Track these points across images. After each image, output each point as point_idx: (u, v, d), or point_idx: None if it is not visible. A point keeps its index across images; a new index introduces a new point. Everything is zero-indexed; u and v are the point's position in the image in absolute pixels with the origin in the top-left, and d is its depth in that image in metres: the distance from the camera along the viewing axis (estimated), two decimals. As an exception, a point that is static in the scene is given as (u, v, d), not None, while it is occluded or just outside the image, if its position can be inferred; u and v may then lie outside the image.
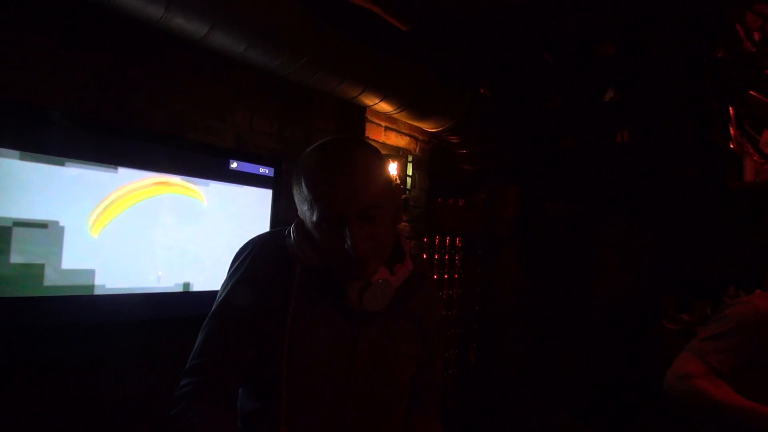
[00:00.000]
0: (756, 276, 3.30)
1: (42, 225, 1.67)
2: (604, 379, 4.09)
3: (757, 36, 2.72)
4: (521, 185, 4.38)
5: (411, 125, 3.25)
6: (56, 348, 1.79)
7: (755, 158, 3.09)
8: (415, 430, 1.22)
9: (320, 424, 1.08)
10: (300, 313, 1.07)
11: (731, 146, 3.11)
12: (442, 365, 1.38)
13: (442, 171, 3.69)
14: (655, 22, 3.23)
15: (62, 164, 1.72)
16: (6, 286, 1.60)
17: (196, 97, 2.23)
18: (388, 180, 1.09)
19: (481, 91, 3.82)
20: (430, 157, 3.52)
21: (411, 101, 2.83)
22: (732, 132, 2.98)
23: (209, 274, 2.17)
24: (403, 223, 3.15)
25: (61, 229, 1.72)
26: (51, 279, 1.70)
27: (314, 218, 1.02)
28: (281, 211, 2.44)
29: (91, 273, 1.81)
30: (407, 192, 3.23)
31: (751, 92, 2.85)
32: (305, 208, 1.04)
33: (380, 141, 3.06)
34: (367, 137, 2.95)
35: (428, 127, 3.26)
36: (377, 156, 1.08)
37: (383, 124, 3.08)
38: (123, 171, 1.89)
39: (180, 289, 2.08)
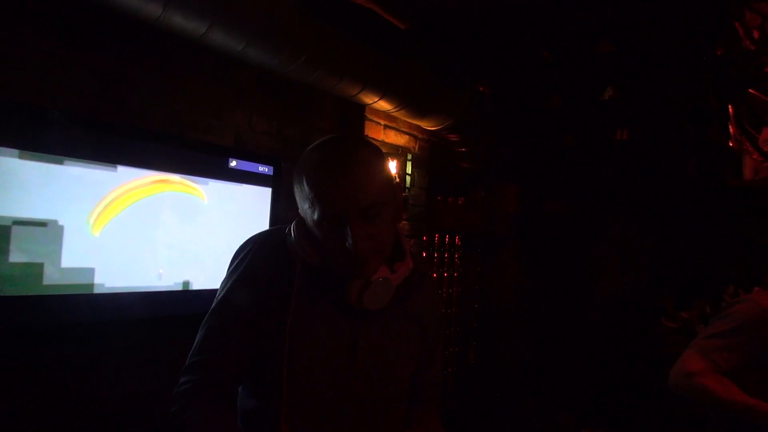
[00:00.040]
0: (755, 274, 3.30)
1: (41, 224, 1.67)
2: (604, 377, 4.09)
3: (756, 34, 2.72)
4: (521, 184, 4.39)
5: (410, 123, 3.25)
6: (56, 347, 1.79)
7: (754, 156, 3.10)
8: (415, 429, 1.22)
9: (320, 422, 1.08)
10: (300, 311, 1.07)
11: (730, 144, 3.12)
12: (442, 363, 1.38)
13: (442, 169, 3.69)
14: (655, 21, 3.23)
15: (61, 163, 1.72)
16: (5, 285, 1.60)
17: (195, 96, 2.23)
18: (390, 178, 1.09)
19: (481, 89, 3.82)
20: (429, 156, 3.52)
21: (410, 99, 2.83)
22: (731, 130, 2.98)
23: (209, 273, 2.17)
24: (402, 222, 3.15)
25: (61, 228, 1.72)
26: (50, 278, 1.70)
27: (315, 216, 1.02)
28: (281, 210, 2.44)
29: (90, 271, 1.81)
30: (407, 190, 3.23)
31: (750, 90, 2.85)
32: (306, 206, 1.04)
33: (379, 139, 3.06)
34: (367, 135, 2.95)
35: (427, 125, 3.26)
36: (378, 154, 1.08)
37: (382, 122, 3.08)
38: (122, 170, 1.89)
39: (179, 288, 2.08)
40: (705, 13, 3.04)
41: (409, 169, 3.24)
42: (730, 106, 2.95)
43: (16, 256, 1.62)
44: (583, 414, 3.85)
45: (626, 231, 4.40)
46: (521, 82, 4.01)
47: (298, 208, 1.09)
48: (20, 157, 1.63)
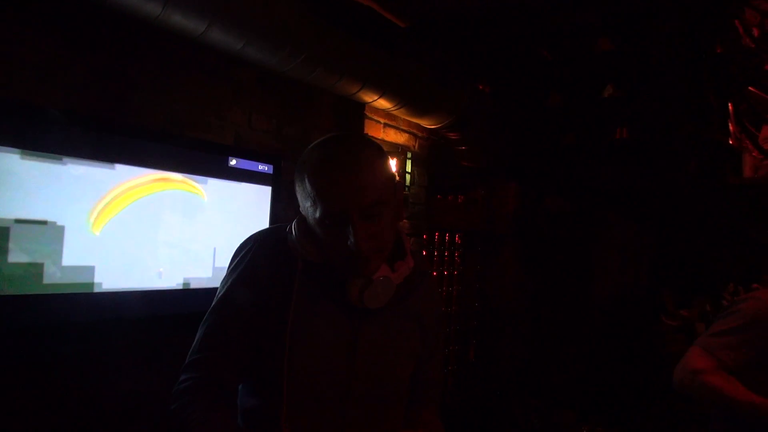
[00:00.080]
0: (755, 272, 3.30)
1: (41, 223, 1.67)
2: (604, 376, 4.10)
3: (755, 32, 2.71)
4: (521, 182, 4.39)
5: (410, 122, 3.25)
6: (56, 346, 1.79)
7: (754, 154, 3.10)
8: (415, 427, 1.22)
9: (321, 421, 1.08)
10: (301, 309, 1.07)
11: (730, 142, 3.11)
12: (441, 362, 1.38)
13: (442, 168, 3.69)
14: (654, 19, 3.23)
15: (62, 163, 1.72)
16: (5, 284, 1.60)
17: (195, 95, 2.23)
18: (391, 177, 1.09)
19: (480, 87, 3.82)
20: (429, 154, 3.51)
21: (410, 98, 2.83)
22: (731, 128, 2.98)
23: (209, 271, 2.17)
24: (403, 220, 3.15)
25: (61, 227, 1.72)
26: (51, 277, 1.70)
27: (317, 215, 1.02)
28: (280, 208, 2.44)
29: (90, 270, 1.81)
30: (406, 189, 3.23)
31: (750, 88, 2.85)
32: (308, 204, 1.04)
33: (379, 138, 3.06)
34: (366, 134, 2.95)
35: (427, 123, 3.26)
36: (380, 153, 1.08)
37: (382, 120, 3.08)
38: (122, 169, 1.89)
39: (180, 286, 2.08)
40: (705, 11, 3.04)
41: (408, 168, 3.24)
42: (729, 104, 2.95)
43: (15, 256, 1.62)
44: (583, 412, 3.85)
45: (626, 229, 4.40)
46: (521, 81, 4.00)
47: (298, 207, 1.09)
48: (21, 156, 1.63)
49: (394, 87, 2.69)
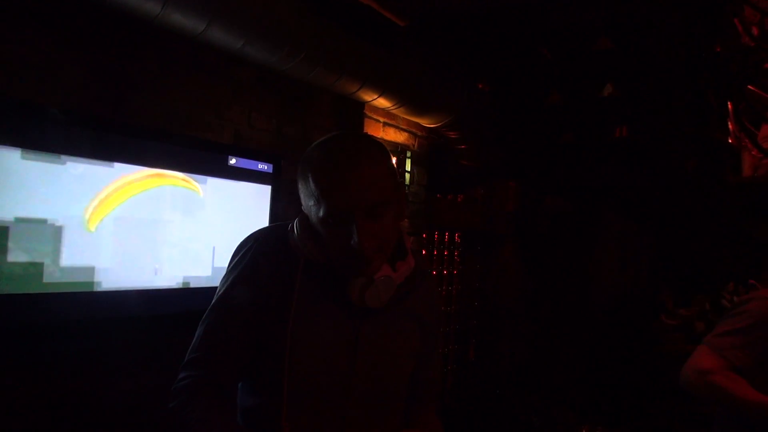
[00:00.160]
0: (754, 271, 3.31)
1: (41, 222, 1.67)
2: (604, 375, 4.10)
3: (755, 31, 2.71)
4: (520, 181, 4.39)
5: (409, 121, 3.25)
6: (54, 344, 1.79)
7: (753, 153, 3.09)
8: (414, 425, 1.22)
9: (321, 420, 1.08)
10: (302, 308, 1.07)
11: (729, 141, 3.11)
12: (440, 361, 1.38)
13: (441, 167, 3.69)
14: (654, 18, 3.23)
15: (62, 162, 1.72)
16: (5, 284, 1.60)
17: (194, 94, 2.23)
18: (394, 176, 1.09)
19: (480, 86, 3.82)
20: (428, 153, 3.52)
21: (409, 97, 2.83)
22: (730, 127, 2.98)
23: (208, 270, 2.17)
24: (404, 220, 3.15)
25: (59, 226, 1.71)
26: (50, 276, 1.70)
27: (321, 214, 1.02)
28: (280, 207, 2.44)
29: (89, 268, 1.80)
30: (406, 188, 3.23)
31: (749, 87, 2.85)
32: (311, 203, 1.04)
33: (378, 137, 3.06)
34: (369, 133, 2.95)
35: (427, 122, 3.26)
36: (384, 152, 1.08)
37: (382, 119, 3.08)
38: (122, 168, 1.88)
39: (178, 285, 2.08)
40: (704, 10, 3.04)
41: (408, 167, 3.24)
42: (729, 103, 2.94)
43: (15, 255, 1.62)
44: (583, 411, 3.86)
45: (626, 228, 4.41)
46: (520, 80, 4.00)
47: (298, 206, 1.09)
48: (21, 155, 1.63)
49: (393, 86, 2.69)
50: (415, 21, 3.01)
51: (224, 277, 1.14)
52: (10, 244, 1.60)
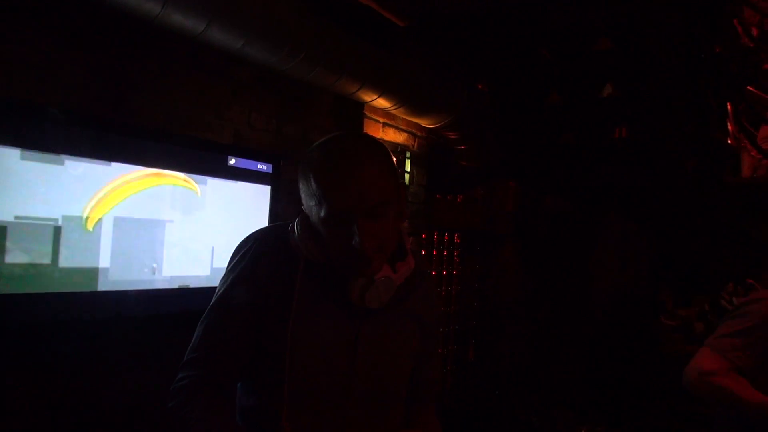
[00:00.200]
0: (754, 271, 3.31)
1: (40, 221, 1.67)
2: (603, 375, 4.10)
3: (755, 32, 2.71)
4: (520, 181, 4.39)
5: (409, 121, 3.25)
6: (54, 344, 1.79)
7: (752, 154, 3.10)
8: (414, 425, 1.22)
9: (321, 420, 1.08)
10: (302, 308, 1.07)
11: (729, 142, 3.12)
12: (439, 361, 1.39)
13: (441, 167, 3.69)
14: (654, 18, 3.23)
15: (61, 161, 1.72)
16: (4, 283, 1.60)
17: (194, 94, 2.23)
18: (396, 177, 1.09)
19: (480, 87, 3.82)
20: (428, 153, 3.52)
21: (409, 97, 2.83)
22: (730, 128, 2.98)
23: (207, 270, 2.17)
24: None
25: (58, 225, 1.72)
26: (50, 275, 1.70)
27: (322, 214, 1.02)
28: (280, 208, 2.44)
29: (88, 269, 1.81)
30: (406, 188, 3.23)
31: (749, 88, 2.85)
32: (312, 203, 1.03)
33: (378, 137, 3.06)
34: (369, 134, 2.96)
35: (426, 123, 3.26)
36: (386, 153, 1.08)
37: (381, 120, 3.08)
38: (120, 168, 1.88)
39: (178, 285, 2.08)
40: (704, 11, 3.04)
41: (408, 167, 3.24)
42: (728, 104, 2.95)
43: (14, 254, 1.62)
44: (583, 411, 3.86)
45: (625, 228, 4.41)
46: (520, 80, 4.01)
47: (297, 206, 1.09)
48: (20, 155, 1.63)
49: (393, 86, 2.69)
50: (414, 21, 3.02)
51: (224, 277, 1.14)
52: (9, 244, 1.60)
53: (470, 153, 3.71)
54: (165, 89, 2.12)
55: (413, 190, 3.33)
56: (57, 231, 1.71)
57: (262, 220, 2.37)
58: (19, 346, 1.73)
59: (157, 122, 2.09)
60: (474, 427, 3.86)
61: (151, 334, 2.01)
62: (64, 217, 1.73)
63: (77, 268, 1.77)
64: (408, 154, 3.24)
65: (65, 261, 1.73)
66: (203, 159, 2.16)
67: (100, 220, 1.82)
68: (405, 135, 3.30)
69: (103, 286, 1.84)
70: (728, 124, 2.93)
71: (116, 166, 1.87)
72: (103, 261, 1.84)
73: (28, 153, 1.65)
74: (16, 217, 1.62)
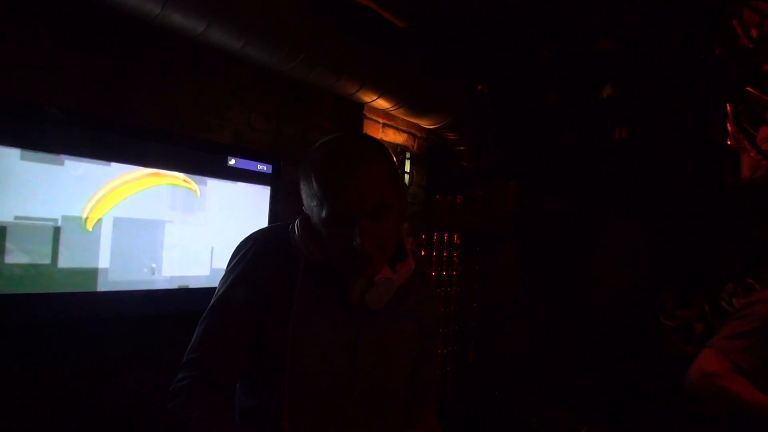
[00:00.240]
0: (754, 272, 3.31)
1: (40, 221, 1.67)
2: (603, 375, 4.10)
3: (754, 33, 2.72)
4: (520, 182, 4.39)
5: (409, 122, 3.25)
6: (54, 344, 1.79)
7: (752, 154, 3.10)
8: (413, 425, 1.22)
9: (321, 420, 1.09)
10: (303, 309, 1.07)
11: (728, 143, 3.12)
12: (439, 361, 1.39)
13: (441, 168, 3.69)
14: (654, 19, 3.23)
15: (60, 163, 1.72)
16: (3, 284, 1.60)
17: (194, 94, 2.23)
18: (397, 178, 1.09)
19: (479, 87, 3.82)
20: (428, 154, 3.52)
21: (408, 98, 2.83)
22: (729, 128, 2.98)
23: (207, 270, 2.17)
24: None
25: (57, 226, 1.72)
26: (49, 275, 1.70)
27: (323, 214, 1.02)
28: (279, 208, 2.44)
29: (88, 269, 1.81)
30: (406, 189, 3.23)
31: (748, 89, 2.85)
32: (314, 204, 1.04)
33: (378, 138, 3.06)
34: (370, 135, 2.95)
35: (426, 123, 3.26)
36: (387, 154, 1.08)
37: (381, 120, 3.08)
38: (120, 168, 1.88)
39: (177, 285, 2.08)
40: (703, 12, 3.04)
41: (407, 168, 3.24)
42: (728, 105, 2.95)
43: (14, 255, 1.62)
44: (583, 411, 3.86)
45: (625, 229, 4.41)
46: (520, 80, 4.01)
47: (297, 206, 1.09)
48: (20, 155, 1.63)
49: (392, 87, 2.70)
50: (414, 22, 3.02)
51: (223, 277, 1.14)
52: (9, 244, 1.60)
53: (470, 153, 3.71)
54: (165, 89, 2.12)
55: (413, 190, 3.34)
56: (57, 231, 1.71)
57: (261, 221, 2.37)
58: (19, 347, 1.73)
59: (157, 122, 2.09)
60: (474, 427, 3.85)
61: (151, 335, 2.01)
62: (64, 218, 1.73)
63: (77, 268, 1.77)
64: (408, 155, 3.24)
65: (65, 261, 1.73)
66: (203, 159, 2.16)
67: (99, 220, 1.82)
68: (405, 136, 3.30)
69: (102, 286, 1.84)
70: (728, 124, 2.93)
71: (116, 166, 1.87)
72: (103, 261, 1.84)
73: (28, 153, 1.65)
74: (16, 218, 1.62)
